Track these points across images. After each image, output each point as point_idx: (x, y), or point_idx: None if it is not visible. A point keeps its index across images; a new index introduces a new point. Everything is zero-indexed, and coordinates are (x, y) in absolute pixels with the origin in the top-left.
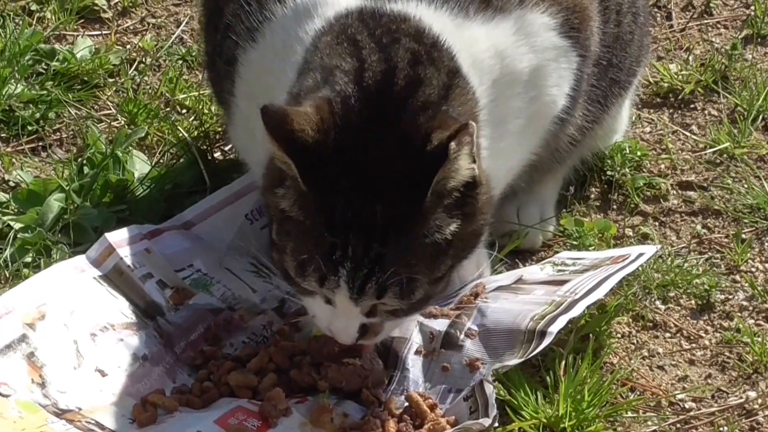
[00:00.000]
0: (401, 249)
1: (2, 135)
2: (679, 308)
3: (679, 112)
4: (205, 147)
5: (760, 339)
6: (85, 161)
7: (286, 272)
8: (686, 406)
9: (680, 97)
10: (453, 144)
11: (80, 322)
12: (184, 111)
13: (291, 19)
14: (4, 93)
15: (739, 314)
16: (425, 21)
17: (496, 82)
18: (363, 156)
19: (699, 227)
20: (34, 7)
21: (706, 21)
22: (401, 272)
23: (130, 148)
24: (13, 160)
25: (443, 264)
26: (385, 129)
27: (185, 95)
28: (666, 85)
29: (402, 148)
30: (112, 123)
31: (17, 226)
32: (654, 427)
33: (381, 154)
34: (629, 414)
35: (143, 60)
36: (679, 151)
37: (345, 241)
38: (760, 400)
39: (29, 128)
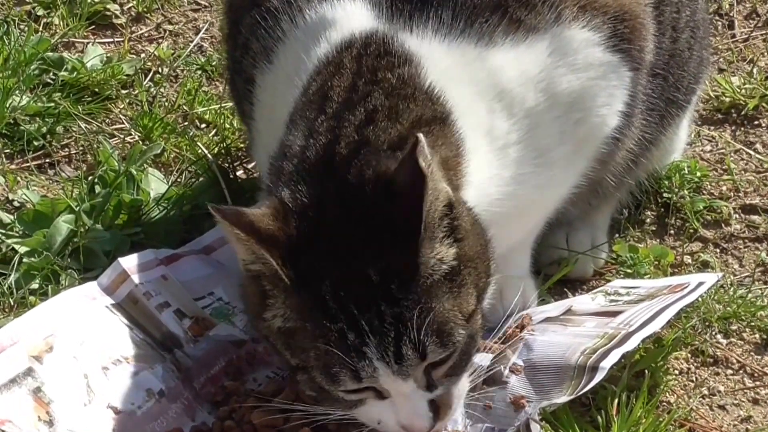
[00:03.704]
0: (414, 297)
1: (6, 151)
2: (742, 343)
3: (742, 129)
4: (226, 165)
5: None
6: (96, 180)
7: (322, 390)
8: None
9: (743, 112)
10: (421, 161)
11: (91, 355)
12: (203, 125)
13: (301, 41)
14: (8, 105)
15: None
16: (425, 64)
17: (530, 111)
18: (329, 233)
19: (764, 254)
20: (40, 12)
21: None
22: (427, 319)
23: (145, 165)
24: (18, 178)
25: (468, 295)
26: (340, 199)
27: (205, 108)
28: (728, 99)
29: (365, 204)
30: (126, 138)
31: (23, 249)
32: None
33: (347, 221)
34: None
35: (159, 70)
36: (742, 172)
37: (351, 320)
38: None
39: (35, 143)
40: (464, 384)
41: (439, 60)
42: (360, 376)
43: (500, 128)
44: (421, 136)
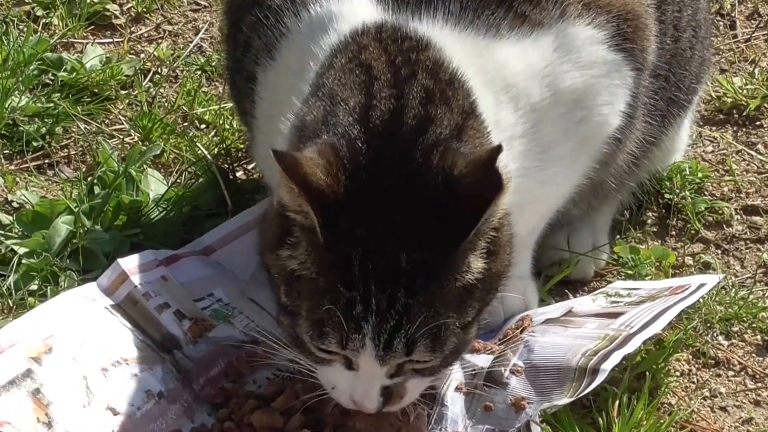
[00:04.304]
0: (430, 296)
1: (5, 152)
2: (744, 344)
3: (744, 129)
4: (226, 165)
5: None
6: (95, 180)
7: (297, 339)
8: None
9: (745, 113)
10: (504, 174)
11: (90, 356)
12: (203, 126)
13: (306, 35)
14: (7, 106)
15: None
16: (446, 50)
17: (536, 106)
18: (378, 202)
19: (765, 255)
20: (39, 12)
21: None
22: (430, 322)
23: (145, 166)
24: (17, 179)
25: (471, 308)
26: (399, 171)
27: (204, 109)
28: (729, 100)
29: (423, 189)
30: (125, 139)
31: (22, 250)
32: None
33: (399, 198)
34: None
35: (159, 70)
36: (744, 173)
37: (366, 294)
38: None
39: (34, 144)
40: (423, 382)
41: (454, 47)
42: (346, 345)
43: (507, 120)
44: (503, 145)
